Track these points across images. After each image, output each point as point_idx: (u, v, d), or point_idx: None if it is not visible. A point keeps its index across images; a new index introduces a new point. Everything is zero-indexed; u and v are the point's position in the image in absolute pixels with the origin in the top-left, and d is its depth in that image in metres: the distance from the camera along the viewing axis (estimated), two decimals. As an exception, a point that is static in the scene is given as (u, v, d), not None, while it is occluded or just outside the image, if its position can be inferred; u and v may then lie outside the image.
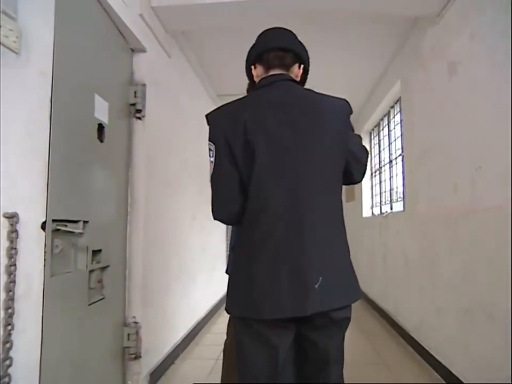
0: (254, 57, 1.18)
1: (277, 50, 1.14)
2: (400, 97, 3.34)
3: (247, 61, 1.22)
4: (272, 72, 1.13)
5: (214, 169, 1.04)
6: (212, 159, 1.04)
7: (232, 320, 1.11)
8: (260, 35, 1.22)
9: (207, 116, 1.10)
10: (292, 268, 0.97)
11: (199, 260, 3.47)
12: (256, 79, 1.20)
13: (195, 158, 3.37)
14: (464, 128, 2.06)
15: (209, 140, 1.05)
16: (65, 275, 1.43)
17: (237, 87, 4.09)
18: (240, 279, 1.03)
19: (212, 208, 1.08)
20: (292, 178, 1.01)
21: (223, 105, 1.11)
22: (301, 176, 1.02)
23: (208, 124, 1.08)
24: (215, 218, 1.09)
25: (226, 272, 1.45)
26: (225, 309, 1.08)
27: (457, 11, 2.14)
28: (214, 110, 1.11)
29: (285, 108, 1.05)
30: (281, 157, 1.01)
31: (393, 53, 3.30)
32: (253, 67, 1.20)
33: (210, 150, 1.04)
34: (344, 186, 1.23)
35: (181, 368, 2.50)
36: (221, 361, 2.59)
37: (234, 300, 1.04)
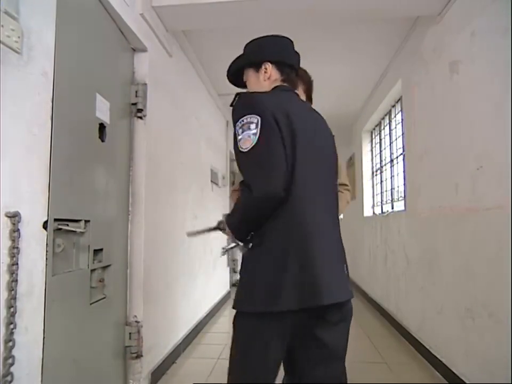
0: (279, 60, 1.19)
1: (295, 73, 1.24)
2: (401, 96, 3.34)
3: (262, 51, 1.20)
4: (286, 84, 1.19)
5: (260, 140, 0.96)
6: (255, 131, 0.97)
7: (244, 318, 1.04)
8: (285, 39, 1.23)
9: (244, 94, 1.07)
10: (334, 256, 1.08)
11: (200, 259, 3.47)
12: (266, 76, 1.18)
13: (196, 157, 3.38)
14: (465, 128, 2.06)
15: (252, 113, 0.99)
16: (67, 274, 1.44)
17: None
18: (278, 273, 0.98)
19: (257, 182, 0.95)
20: (324, 179, 1.12)
21: (256, 92, 1.13)
22: (328, 177, 1.14)
23: (247, 101, 1.05)
24: (259, 195, 0.95)
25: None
26: (241, 308, 1.04)
27: (458, 10, 2.14)
28: (252, 92, 1.13)
29: (311, 115, 1.17)
30: (315, 156, 1.09)
31: (394, 52, 3.29)
32: (270, 64, 1.18)
33: (251, 122, 0.98)
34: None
35: (182, 367, 2.50)
36: (222, 360, 2.59)
37: (268, 294, 0.98)
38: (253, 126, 0.98)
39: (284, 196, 0.97)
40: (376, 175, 4.76)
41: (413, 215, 2.95)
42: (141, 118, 2.10)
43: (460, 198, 2.12)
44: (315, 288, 0.98)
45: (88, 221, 1.56)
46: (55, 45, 1.32)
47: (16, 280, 1.10)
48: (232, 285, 5.36)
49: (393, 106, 3.85)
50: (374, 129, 4.80)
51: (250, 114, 1.00)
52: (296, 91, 1.23)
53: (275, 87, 1.17)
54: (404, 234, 3.15)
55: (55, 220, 1.33)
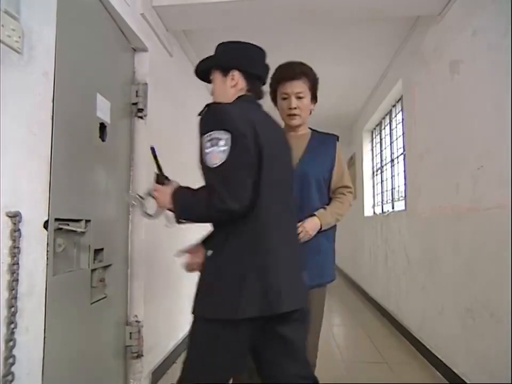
0: (247, 70, 1.20)
1: (263, 84, 1.26)
2: (402, 96, 3.34)
3: (232, 58, 1.21)
4: (250, 94, 1.21)
5: (228, 159, 0.99)
6: (224, 148, 0.99)
7: (205, 324, 1.07)
8: (258, 49, 1.23)
9: (214, 107, 1.08)
10: (295, 264, 1.13)
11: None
12: (233, 83, 1.19)
13: (197, 157, 3.37)
14: (466, 127, 2.06)
15: (222, 129, 1.01)
16: (68, 274, 1.44)
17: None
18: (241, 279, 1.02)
19: (226, 195, 0.97)
20: (285, 190, 1.18)
21: (226, 104, 1.12)
22: (288, 188, 1.21)
23: (218, 115, 1.05)
24: (227, 207, 0.98)
25: None
26: (201, 313, 1.06)
27: (458, 9, 2.14)
28: (222, 104, 1.10)
29: (274, 127, 1.21)
30: (279, 169, 1.14)
31: (395, 52, 3.29)
32: (238, 72, 1.19)
33: (220, 139, 1.00)
34: None
35: (183, 367, 2.51)
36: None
37: (233, 300, 1.01)
38: (222, 142, 1.00)
39: (244, 212, 1.01)
40: (376, 174, 4.76)
41: (413, 214, 2.95)
42: (141, 117, 2.10)
43: (460, 198, 2.12)
44: (275, 296, 1.02)
45: (89, 220, 1.56)
46: (56, 45, 1.32)
47: (17, 280, 1.10)
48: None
49: (394, 106, 3.85)
50: (375, 128, 4.80)
51: (220, 130, 1.01)
52: (259, 101, 1.25)
53: (240, 97, 1.18)
54: (405, 234, 3.14)
55: (56, 219, 1.33)
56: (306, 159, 1.50)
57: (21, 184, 1.15)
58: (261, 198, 1.05)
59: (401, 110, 3.45)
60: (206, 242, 1.16)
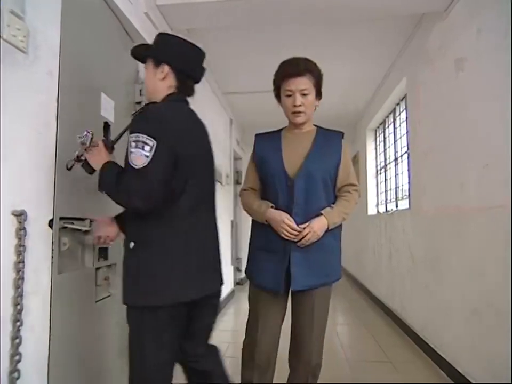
0: (178, 67, 1.26)
1: (194, 83, 1.34)
2: (406, 94, 3.32)
3: (166, 52, 1.26)
4: (180, 92, 1.29)
5: (150, 163, 1.09)
6: (148, 154, 1.08)
7: (136, 312, 1.17)
8: (196, 50, 1.30)
9: (148, 111, 1.18)
10: (213, 257, 1.32)
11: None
12: (161, 76, 1.25)
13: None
14: (471, 125, 2.05)
15: (149, 135, 1.09)
16: (72, 272, 1.44)
17: (242, 85, 4.11)
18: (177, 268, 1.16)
19: (137, 195, 1.09)
20: (208, 187, 1.35)
21: (159, 108, 1.21)
22: (211, 184, 1.39)
23: (149, 119, 1.14)
24: (133, 205, 1.12)
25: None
26: (132, 301, 1.16)
27: (463, 7, 2.12)
28: (156, 108, 1.20)
29: (199, 125, 1.36)
30: (203, 167, 1.29)
31: (399, 50, 3.28)
32: (168, 67, 1.24)
33: (146, 144, 1.09)
34: None
35: (187, 365, 2.51)
36: (227, 358, 2.60)
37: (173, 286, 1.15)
38: (147, 148, 1.09)
39: (149, 211, 1.13)
40: (380, 173, 4.75)
41: (417, 213, 2.93)
42: (145, 116, 2.10)
43: (465, 197, 2.11)
44: (198, 283, 1.20)
45: (94, 219, 1.57)
46: (60, 45, 1.33)
47: (23, 278, 1.11)
48: (236, 283, 5.38)
49: (398, 104, 3.83)
50: (378, 127, 4.78)
51: (148, 135, 1.09)
52: (187, 99, 1.34)
53: (170, 95, 1.26)
54: (409, 232, 3.13)
55: (61, 218, 1.34)
56: (311, 156, 1.48)
57: (26, 183, 1.16)
58: (182, 199, 1.18)
59: (405, 108, 3.44)
60: (127, 231, 1.24)
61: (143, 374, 1.16)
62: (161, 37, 1.31)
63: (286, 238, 1.42)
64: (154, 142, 1.09)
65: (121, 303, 1.19)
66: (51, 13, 1.29)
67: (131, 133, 1.12)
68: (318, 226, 1.42)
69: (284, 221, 1.41)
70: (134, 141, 1.09)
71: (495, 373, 1.80)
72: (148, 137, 1.09)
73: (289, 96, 1.47)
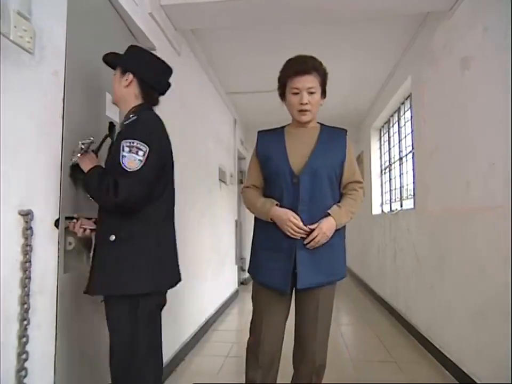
0: (142, 79, 1.37)
1: (159, 95, 1.47)
2: (411, 93, 3.31)
3: (133, 63, 1.38)
4: (146, 103, 1.41)
5: (152, 165, 1.23)
6: (141, 158, 1.21)
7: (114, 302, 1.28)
8: (163, 66, 1.43)
9: (144, 120, 1.30)
10: (175, 253, 1.44)
11: (208, 257, 3.49)
12: (125, 83, 1.36)
13: (204, 156, 3.39)
14: (476, 124, 2.03)
15: (143, 142, 1.21)
16: (78, 272, 1.45)
17: (246, 85, 4.11)
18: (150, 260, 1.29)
19: (129, 195, 1.19)
20: (173, 190, 1.47)
21: (148, 118, 1.33)
22: (173, 187, 1.48)
23: (143, 128, 1.27)
24: (121, 204, 1.20)
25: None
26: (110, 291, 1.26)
27: (469, 5, 2.11)
28: (147, 118, 1.33)
29: (165, 129, 1.43)
30: (172, 170, 1.45)
31: (404, 49, 3.26)
32: (132, 76, 1.35)
33: (139, 149, 1.21)
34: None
35: (191, 364, 2.52)
36: (231, 358, 2.60)
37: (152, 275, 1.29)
38: (140, 153, 1.21)
39: (130, 210, 1.24)
40: (385, 173, 4.73)
41: (422, 213, 2.92)
42: (149, 116, 2.11)
43: (471, 196, 2.10)
44: (170, 276, 1.38)
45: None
46: (66, 45, 1.34)
47: (29, 278, 1.12)
48: (241, 283, 5.38)
49: (403, 103, 3.82)
50: (383, 126, 4.76)
51: (142, 142, 1.22)
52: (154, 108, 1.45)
53: (141, 105, 1.37)
54: (414, 232, 3.12)
55: (66, 218, 1.35)
56: (316, 153, 1.47)
57: (32, 183, 1.17)
58: (160, 201, 1.33)
59: (410, 107, 3.42)
60: (105, 224, 1.30)
61: (131, 363, 1.29)
62: (132, 48, 1.43)
63: (292, 236, 1.41)
64: (147, 149, 1.21)
65: (94, 294, 1.29)
66: (57, 14, 1.29)
67: (124, 138, 1.22)
68: (327, 227, 1.41)
69: (290, 219, 1.39)
70: (128, 146, 1.20)
71: (500, 373, 1.78)
72: (142, 143, 1.21)
73: (296, 94, 1.46)
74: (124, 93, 1.38)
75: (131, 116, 1.32)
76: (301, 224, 1.40)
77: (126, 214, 1.25)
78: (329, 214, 1.43)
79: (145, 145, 1.21)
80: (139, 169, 1.20)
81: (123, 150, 1.20)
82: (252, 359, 1.53)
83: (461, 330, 2.21)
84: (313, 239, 1.40)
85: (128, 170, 1.19)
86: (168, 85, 1.48)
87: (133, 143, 1.20)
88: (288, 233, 1.41)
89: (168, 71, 1.45)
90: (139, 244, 1.27)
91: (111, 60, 1.43)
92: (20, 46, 1.09)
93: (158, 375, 1.41)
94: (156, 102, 1.45)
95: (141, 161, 1.20)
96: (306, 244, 1.41)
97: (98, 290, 1.27)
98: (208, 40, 3.04)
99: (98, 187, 1.23)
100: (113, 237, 1.24)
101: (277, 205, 1.45)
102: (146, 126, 1.28)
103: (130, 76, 1.35)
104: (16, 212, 1.10)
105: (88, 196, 1.32)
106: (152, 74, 1.40)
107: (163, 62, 1.43)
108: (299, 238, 1.41)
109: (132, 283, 1.24)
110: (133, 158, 1.20)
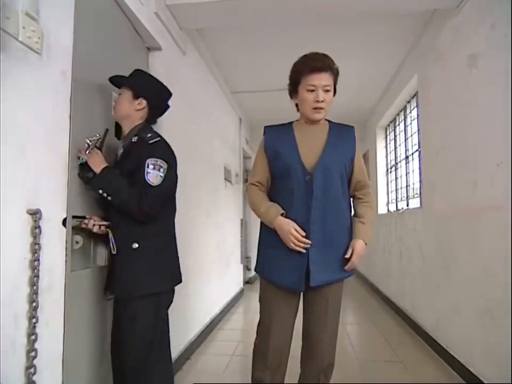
0: (152, 104, 1.54)
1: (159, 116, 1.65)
2: (417, 91, 3.28)
3: (146, 89, 1.52)
4: (149, 124, 1.59)
5: (169, 180, 1.44)
6: (162, 174, 1.40)
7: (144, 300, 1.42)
8: (166, 91, 1.59)
9: (164, 141, 1.50)
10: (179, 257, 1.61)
11: (213, 256, 3.49)
12: (139, 107, 1.51)
13: (210, 155, 3.39)
14: (483, 122, 2.01)
15: (164, 160, 1.41)
16: (85, 270, 1.47)
17: (251, 84, 4.11)
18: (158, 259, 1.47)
19: (149, 205, 1.36)
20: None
21: (163, 140, 1.50)
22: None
23: (164, 148, 1.47)
24: (146, 211, 1.36)
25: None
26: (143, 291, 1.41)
27: (477, 2, 2.09)
28: (163, 140, 1.50)
29: None
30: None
31: (410, 47, 3.24)
32: (145, 102, 1.52)
33: (161, 167, 1.40)
34: None
35: (197, 363, 2.53)
36: (236, 357, 2.61)
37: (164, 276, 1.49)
38: (162, 170, 1.40)
39: (148, 219, 1.41)
40: (391, 171, 4.70)
41: (429, 212, 2.90)
42: (155, 116, 2.12)
43: (478, 195, 2.08)
44: (179, 273, 1.58)
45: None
46: (73, 45, 1.35)
47: (38, 276, 1.13)
48: (246, 282, 5.39)
49: (409, 101, 3.79)
50: (389, 125, 4.74)
51: (163, 160, 1.41)
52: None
53: (145, 124, 1.53)
54: (420, 231, 3.10)
55: (74, 217, 1.36)
56: (328, 149, 1.45)
57: (40, 182, 1.18)
58: (170, 213, 1.56)
59: (416, 106, 3.40)
60: (126, 233, 1.42)
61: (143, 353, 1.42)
62: (140, 72, 1.58)
63: (294, 249, 1.40)
64: (166, 166, 1.41)
65: (122, 296, 1.42)
66: (64, 14, 1.30)
67: (149, 157, 1.38)
68: (359, 248, 1.45)
69: (291, 232, 1.39)
70: (153, 164, 1.39)
71: (508, 373, 1.77)
72: (163, 161, 1.41)
73: (312, 91, 1.43)
74: (131, 113, 1.50)
75: (144, 135, 1.45)
76: (301, 237, 1.39)
77: (146, 221, 1.41)
78: (359, 235, 1.48)
79: (165, 163, 1.41)
80: (160, 183, 1.39)
81: (147, 167, 1.38)
82: (259, 361, 1.52)
83: (467, 330, 2.20)
84: (352, 263, 1.45)
85: (152, 185, 1.37)
86: (168, 108, 1.64)
87: (156, 161, 1.39)
88: (290, 246, 1.40)
89: (170, 96, 1.61)
90: (156, 248, 1.45)
91: (123, 81, 1.54)
92: (28, 47, 1.10)
93: (170, 367, 1.59)
94: (155, 122, 1.63)
95: (162, 177, 1.39)
96: (346, 269, 1.47)
97: (127, 292, 1.41)
98: (213, 39, 3.04)
99: (129, 193, 1.36)
100: (136, 245, 1.40)
101: (282, 214, 1.43)
102: (166, 147, 1.49)
103: (144, 102, 1.50)
104: (25, 211, 1.11)
105: (106, 195, 1.38)
106: (161, 101, 1.58)
107: (166, 87, 1.59)
108: (303, 250, 1.40)
109: (155, 282, 1.43)
110: (156, 174, 1.39)
